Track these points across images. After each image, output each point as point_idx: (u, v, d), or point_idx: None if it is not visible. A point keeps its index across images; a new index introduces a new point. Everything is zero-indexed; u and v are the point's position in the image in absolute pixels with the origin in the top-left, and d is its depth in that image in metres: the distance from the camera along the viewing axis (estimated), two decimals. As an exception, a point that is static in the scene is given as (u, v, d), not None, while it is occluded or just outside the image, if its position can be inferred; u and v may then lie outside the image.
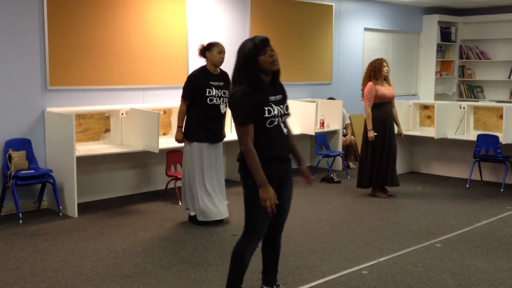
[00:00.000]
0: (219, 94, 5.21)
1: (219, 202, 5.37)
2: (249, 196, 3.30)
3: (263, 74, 3.25)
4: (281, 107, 3.29)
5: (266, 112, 3.20)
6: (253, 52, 3.18)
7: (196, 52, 5.37)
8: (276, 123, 3.25)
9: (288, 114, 3.36)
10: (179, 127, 5.31)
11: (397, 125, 6.75)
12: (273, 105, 3.24)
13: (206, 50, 5.26)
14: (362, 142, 6.64)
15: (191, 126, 5.30)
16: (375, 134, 6.42)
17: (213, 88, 5.19)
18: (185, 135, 5.34)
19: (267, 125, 3.22)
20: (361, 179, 6.66)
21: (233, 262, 3.39)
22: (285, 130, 3.34)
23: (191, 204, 5.38)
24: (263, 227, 3.33)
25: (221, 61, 5.25)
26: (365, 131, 6.53)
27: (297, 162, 3.54)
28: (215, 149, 5.33)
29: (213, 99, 5.19)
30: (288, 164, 3.40)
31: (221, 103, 5.25)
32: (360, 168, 6.66)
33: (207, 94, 5.18)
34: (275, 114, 3.23)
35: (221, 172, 5.42)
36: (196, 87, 5.21)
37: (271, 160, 3.25)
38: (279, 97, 3.32)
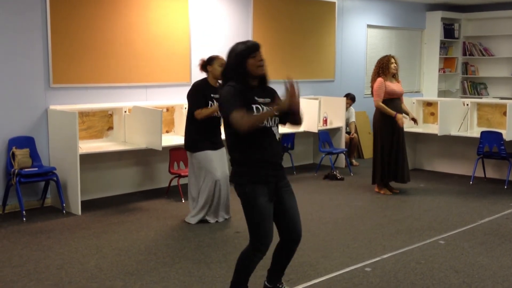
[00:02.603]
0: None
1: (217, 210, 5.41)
2: (247, 205, 3.26)
3: (250, 78, 3.26)
4: (270, 109, 3.23)
5: (255, 110, 3.20)
6: (244, 53, 3.21)
7: (198, 68, 5.35)
8: (265, 123, 3.21)
9: (278, 116, 3.28)
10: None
11: (408, 113, 6.74)
12: (261, 104, 3.24)
13: (207, 64, 5.25)
14: (374, 140, 6.63)
15: (192, 138, 5.30)
16: (384, 131, 6.42)
17: (214, 101, 5.19)
18: (188, 146, 5.35)
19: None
20: (375, 176, 6.65)
21: (240, 269, 3.35)
22: (277, 136, 3.31)
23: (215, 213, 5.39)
24: (269, 234, 3.26)
25: None
26: (375, 130, 6.52)
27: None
28: (219, 153, 5.32)
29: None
30: (281, 170, 3.36)
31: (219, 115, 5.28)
32: (374, 165, 6.65)
33: (209, 107, 5.19)
34: None
35: (226, 174, 5.38)
36: (202, 95, 5.21)
37: (262, 164, 3.23)
38: (267, 100, 3.30)
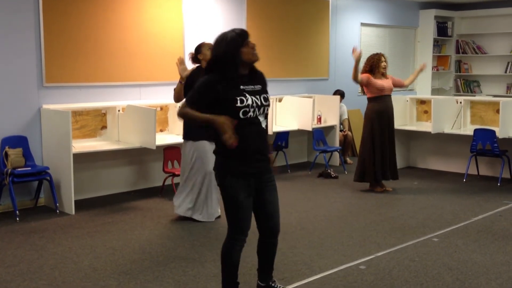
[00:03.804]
0: None
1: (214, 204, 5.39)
2: (225, 195, 3.27)
3: (242, 66, 3.21)
4: (257, 98, 3.21)
5: (238, 101, 3.13)
6: (237, 43, 3.15)
7: (190, 62, 5.42)
8: (251, 114, 3.18)
9: (267, 106, 3.27)
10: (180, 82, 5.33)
11: (414, 73, 7.01)
12: (247, 95, 3.17)
13: (197, 54, 5.30)
14: (362, 137, 6.64)
15: (189, 127, 5.28)
16: (374, 128, 6.44)
17: None
18: (187, 135, 5.34)
19: (241, 115, 3.15)
20: (360, 173, 6.65)
21: (223, 262, 3.37)
22: (264, 124, 3.27)
23: (202, 208, 5.35)
24: (245, 226, 3.29)
25: None
26: (365, 126, 6.54)
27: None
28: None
29: None
30: (266, 163, 3.32)
31: None
32: (360, 162, 6.65)
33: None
34: (248, 104, 3.16)
35: None
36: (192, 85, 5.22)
37: (244, 156, 3.21)
38: (257, 87, 3.26)
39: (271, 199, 3.36)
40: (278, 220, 3.42)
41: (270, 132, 6.85)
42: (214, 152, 3.33)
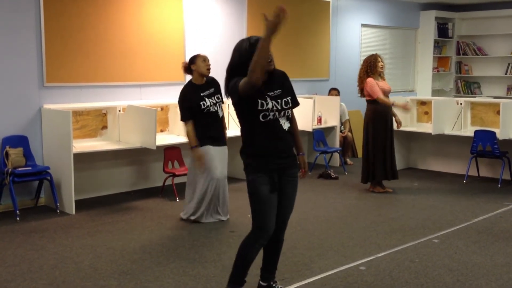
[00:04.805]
0: (213, 102, 5.21)
1: (216, 207, 5.38)
2: (249, 192, 3.33)
3: None
4: (278, 102, 3.28)
5: (259, 104, 3.21)
6: (250, 51, 3.17)
7: (182, 71, 5.41)
8: (271, 117, 3.25)
9: (287, 109, 3.34)
10: (194, 147, 5.16)
11: (394, 115, 6.84)
12: (268, 99, 3.25)
13: (190, 64, 5.28)
14: (363, 138, 6.65)
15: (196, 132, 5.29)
16: (376, 129, 6.45)
17: (206, 99, 5.18)
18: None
19: (260, 118, 3.22)
20: (365, 174, 6.67)
21: (239, 255, 3.39)
22: (286, 126, 3.33)
23: (197, 209, 5.35)
24: (269, 222, 3.31)
25: (208, 69, 5.24)
26: (366, 128, 6.53)
27: (296, 152, 3.52)
28: (220, 151, 5.30)
29: (209, 108, 5.18)
30: (288, 159, 3.38)
31: (218, 108, 5.26)
32: (364, 164, 6.67)
33: (202, 107, 5.15)
34: (268, 108, 3.23)
35: (224, 175, 5.38)
36: (191, 103, 5.18)
37: (266, 154, 3.29)
38: (277, 92, 3.31)
39: (289, 193, 3.41)
40: (288, 215, 3.48)
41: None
42: (240, 151, 3.38)
